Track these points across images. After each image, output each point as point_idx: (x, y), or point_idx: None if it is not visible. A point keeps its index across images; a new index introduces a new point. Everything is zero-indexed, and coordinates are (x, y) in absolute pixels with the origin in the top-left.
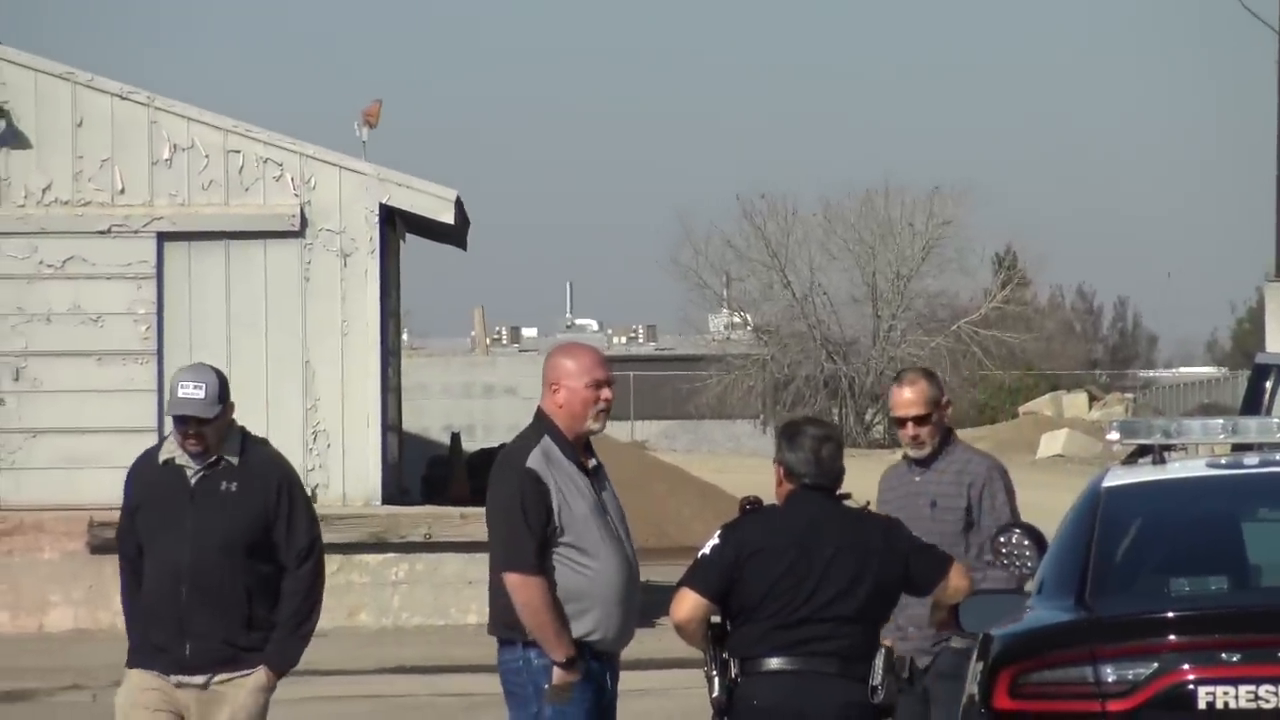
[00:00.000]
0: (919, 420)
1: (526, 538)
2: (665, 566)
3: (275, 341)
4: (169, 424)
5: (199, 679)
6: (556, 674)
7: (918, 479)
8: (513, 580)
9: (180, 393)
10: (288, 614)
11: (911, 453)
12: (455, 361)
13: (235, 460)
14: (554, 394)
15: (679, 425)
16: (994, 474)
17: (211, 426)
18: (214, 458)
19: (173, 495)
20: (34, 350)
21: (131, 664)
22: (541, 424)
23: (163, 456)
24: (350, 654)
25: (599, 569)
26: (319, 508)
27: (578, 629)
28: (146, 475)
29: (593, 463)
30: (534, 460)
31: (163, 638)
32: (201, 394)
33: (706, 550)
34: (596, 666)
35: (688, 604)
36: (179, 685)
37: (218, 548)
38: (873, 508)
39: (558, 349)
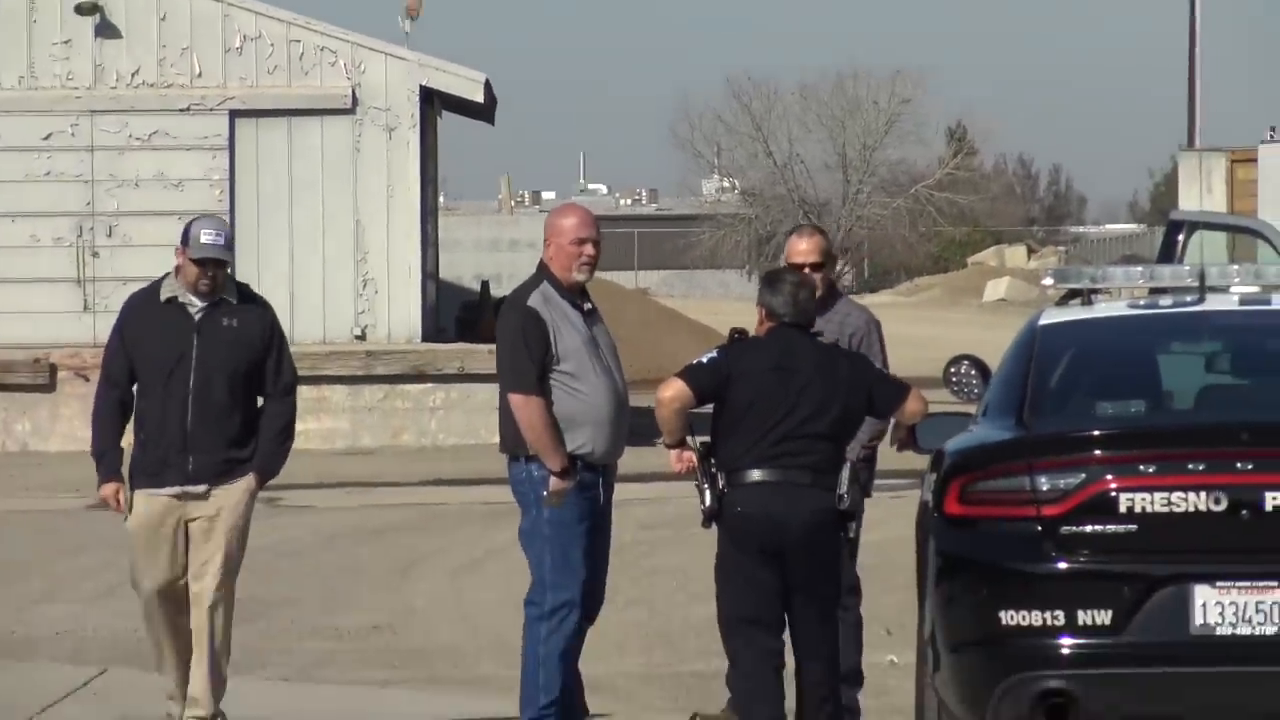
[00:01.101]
0: (815, 267)
1: (527, 364)
2: None
3: (330, 204)
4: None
5: (201, 488)
6: (552, 482)
7: None
8: (516, 400)
9: (204, 239)
10: (273, 433)
11: None
12: (484, 220)
13: (234, 301)
14: (548, 247)
15: (676, 275)
16: (871, 327)
17: (224, 270)
18: (217, 298)
19: (178, 329)
20: (124, 211)
21: (138, 485)
22: (541, 273)
23: (165, 295)
24: (395, 469)
25: (589, 393)
26: (368, 345)
27: (571, 443)
28: (149, 312)
29: (587, 306)
30: (534, 300)
31: (169, 454)
32: (222, 240)
33: (704, 358)
34: (590, 477)
35: (675, 388)
36: (183, 495)
37: (219, 375)
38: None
39: (555, 210)
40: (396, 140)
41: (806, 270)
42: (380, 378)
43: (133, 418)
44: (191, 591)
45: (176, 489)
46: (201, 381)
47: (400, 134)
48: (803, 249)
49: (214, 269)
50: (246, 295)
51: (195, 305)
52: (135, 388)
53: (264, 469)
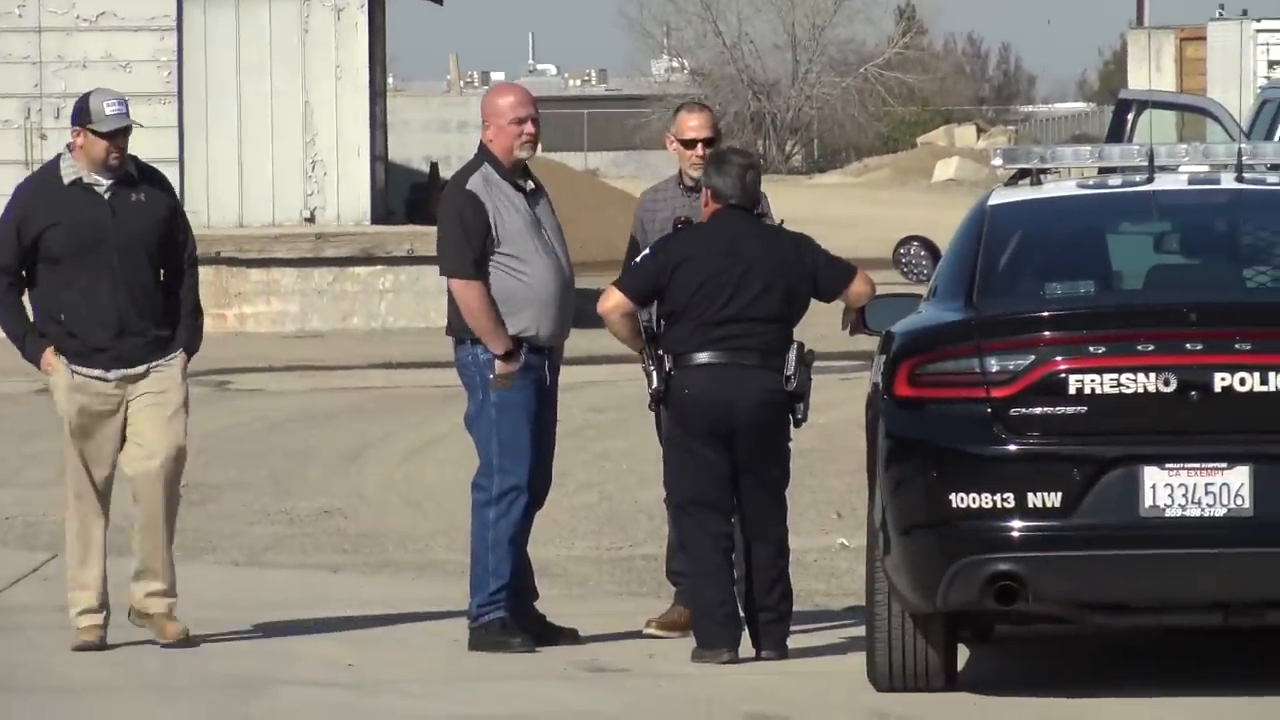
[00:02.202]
0: (707, 142)
1: (465, 248)
2: (615, 276)
3: (279, 85)
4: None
5: (140, 369)
6: (497, 365)
7: (690, 200)
8: (455, 284)
9: (109, 110)
10: (189, 307)
11: (695, 174)
12: (433, 101)
13: (135, 174)
14: (487, 129)
15: (626, 155)
16: (766, 200)
17: (128, 140)
18: (123, 173)
19: (91, 210)
20: (72, 92)
21: (72, 361)
22: (482, 155)
23: (68, 178)
24: (345, 352)
25: (532, 274)
26: (317, 227)
27: (514, 325)
28: (52, 199)
29: (530, 185)
30: (473, 183)
31: (104, 339)
32: (125, 109)
33: (638, 260)
34: (535, 359)
35: (612, 300)
36: (120, 379)
37: (142, 252)
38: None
39: (491, 90)
40: (345, 21)
41: (699, 147)
42: (329, 260)
43: (42, 309)
44: (142, 473)
45: (116, 373)
46: (125, 263)
47: (349, 15)
48: (694, 124)
49: (123, 139)
50: (144, 170)
51: (102, 185)
52: (39, 277)
53: (191, 347)
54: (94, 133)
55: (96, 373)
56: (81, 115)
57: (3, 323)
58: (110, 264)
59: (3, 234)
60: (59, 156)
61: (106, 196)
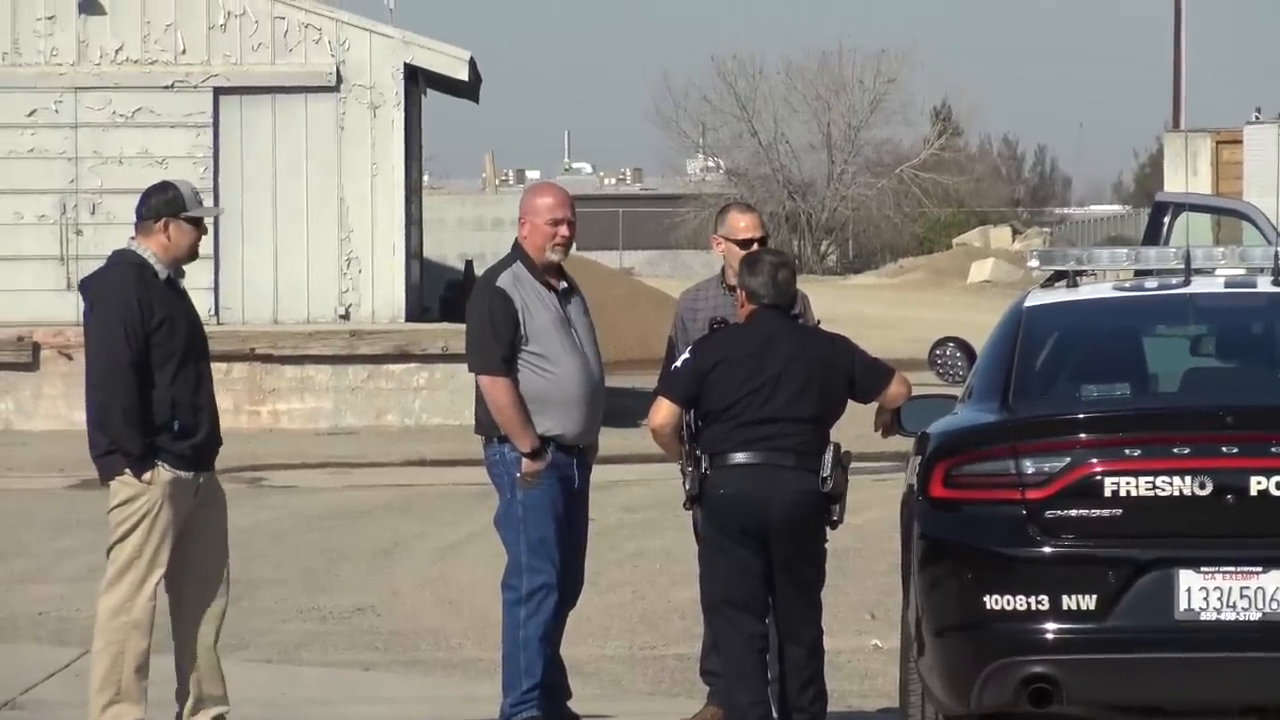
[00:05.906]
0: (761, 242)
1: (493, 345)
2: (649, 375)
3: (314, 182)
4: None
5: (209, 474)
6: (524, 464)
7: (732, 300)
8: (484, 381)
9: (200, 198)
10: None
11: None
12: (469, 199)
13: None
14: (523, 226)
15: (661, 254)
16: (807, 300)
17: None
18: (180, 269)
19: (184, 309)
20: (108, 188)
21: (175, 465)
22: (516, 252)
23: (161, 273)
24: (379, 449)
25: (559, 374)
26: (352, 325)
27: (541, 425)
28: (155, 291)
29: (562, 285)
30: (503, 281)
31: (205, 441)
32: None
33: (678, 363)
34: (563, 458)
35: (663, 410)
36: (202, 482)
37: (208, 355)
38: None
39: (531, 188)
40: (381, 118)
41: (755, 246)
42: (364, 357)
43: (150, 404)
44: (203, 596)
45: (203, 475)
46: (205, 364)
47: (384, 112)
48: (744, 225)
49: (205, 230)
50: None
51: (177, 284)
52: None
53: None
54: (190, 221)
55: (189, 475)
56: (173, 204)
57: (124, 433)
58: (200, 365)
59: (126, 329)
60: (132, 250)
61: (183, 297)
